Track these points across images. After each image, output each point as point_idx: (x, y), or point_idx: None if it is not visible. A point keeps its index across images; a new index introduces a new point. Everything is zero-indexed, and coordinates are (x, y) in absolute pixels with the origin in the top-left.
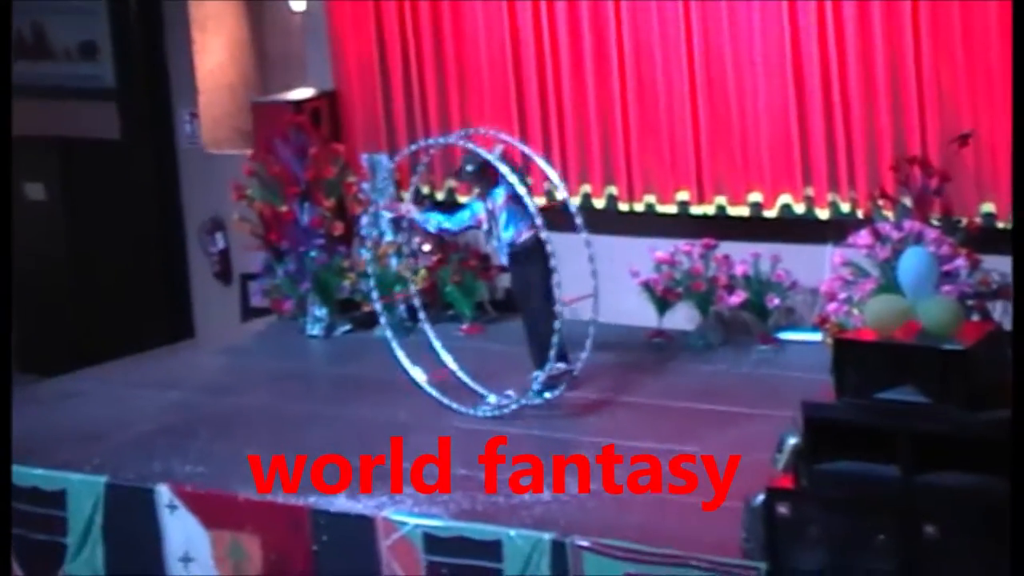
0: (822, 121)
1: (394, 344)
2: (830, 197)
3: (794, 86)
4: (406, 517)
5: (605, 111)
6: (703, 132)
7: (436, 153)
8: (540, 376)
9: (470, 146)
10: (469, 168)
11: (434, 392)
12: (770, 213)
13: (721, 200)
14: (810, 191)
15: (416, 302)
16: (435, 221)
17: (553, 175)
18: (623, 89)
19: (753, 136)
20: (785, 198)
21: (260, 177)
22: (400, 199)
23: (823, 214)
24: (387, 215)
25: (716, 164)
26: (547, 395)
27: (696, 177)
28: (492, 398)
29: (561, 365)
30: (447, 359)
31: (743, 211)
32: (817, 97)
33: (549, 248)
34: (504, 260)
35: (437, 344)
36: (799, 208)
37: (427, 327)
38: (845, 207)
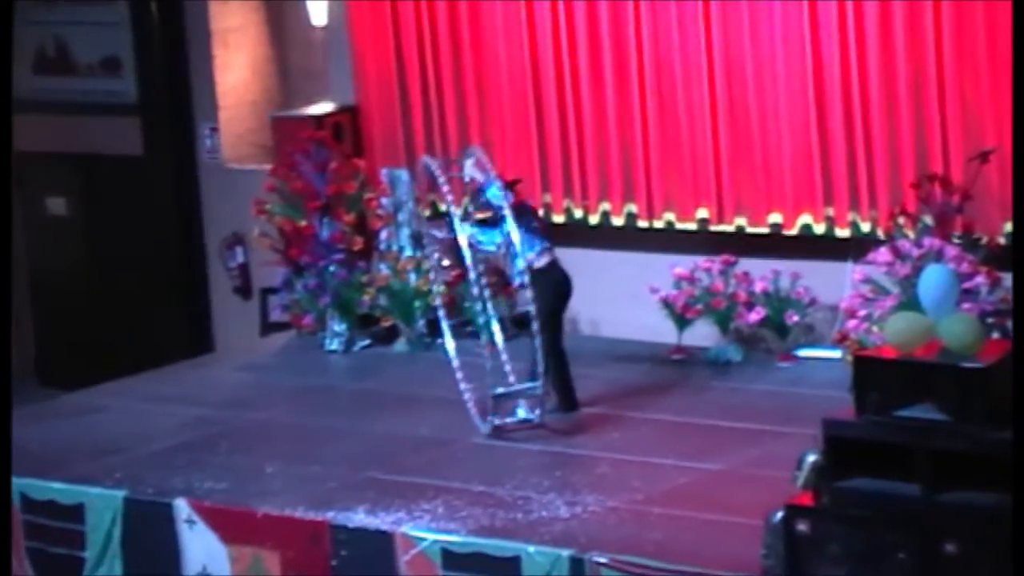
0: (843, 140)
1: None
2: (850, 217)
3: (815, 104)
4: (424, 533)
5: (625, 129)
6: (723, 151)
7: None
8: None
9: (475, 175)
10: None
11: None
12: (790, 232)
13: (741, 220)
14: (831, 211)
15: (440, 313)
16: (469, 232)
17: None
18: (643, 107)
19: (774, 156)
20: (805, 218)
21: (281, 192)
22: (419, 215)
23: (843, 233)
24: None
25: (736, 183)
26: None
27: (716, 196)
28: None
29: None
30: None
31: (763, 230)
32: (838, 115)
33: (564, 273)
34: (520, 281)
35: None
36: (819, 228)
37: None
38: (865, 227)
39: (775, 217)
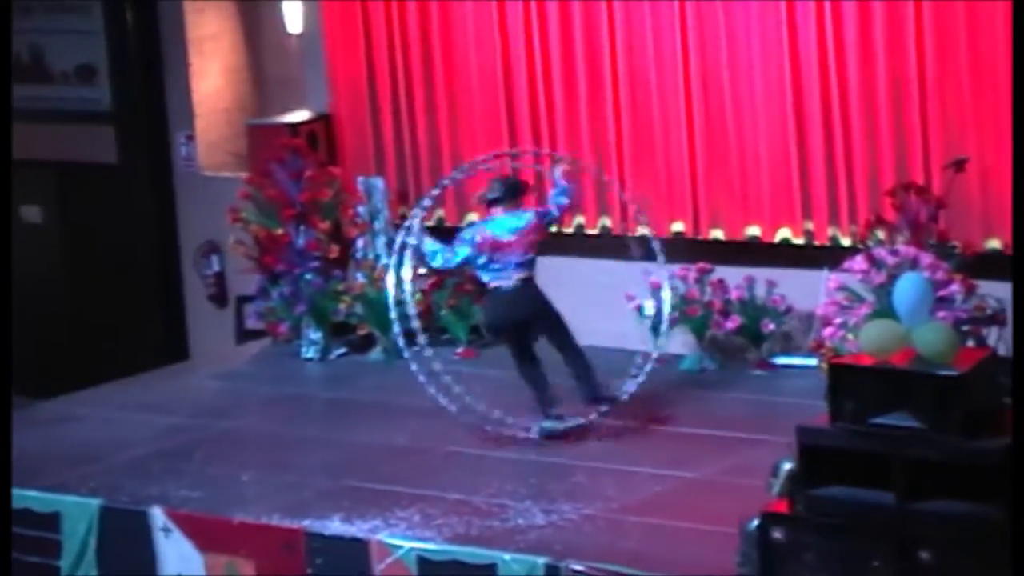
0: (822, 152)
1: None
2: (830, 231)
3: (794, 116)
4: (400, 540)
5: (599, 141)
6: (699, 163)
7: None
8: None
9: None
10: (494, 194)
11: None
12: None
13: (718, 234)
14: (810, 225)
15: (415, 324)
16: (440, 259)
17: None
18: (617, 118)
19: (752, 168)
20: (784, 232)
21: (256, 200)
22: (396, 224)
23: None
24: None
25: (713, 197)
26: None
27: (693, 210)
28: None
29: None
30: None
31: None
32: (817, 127)
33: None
34: (513, 280)
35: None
36: (798, 241)
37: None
38: (845, 241)
39: (753, 230)
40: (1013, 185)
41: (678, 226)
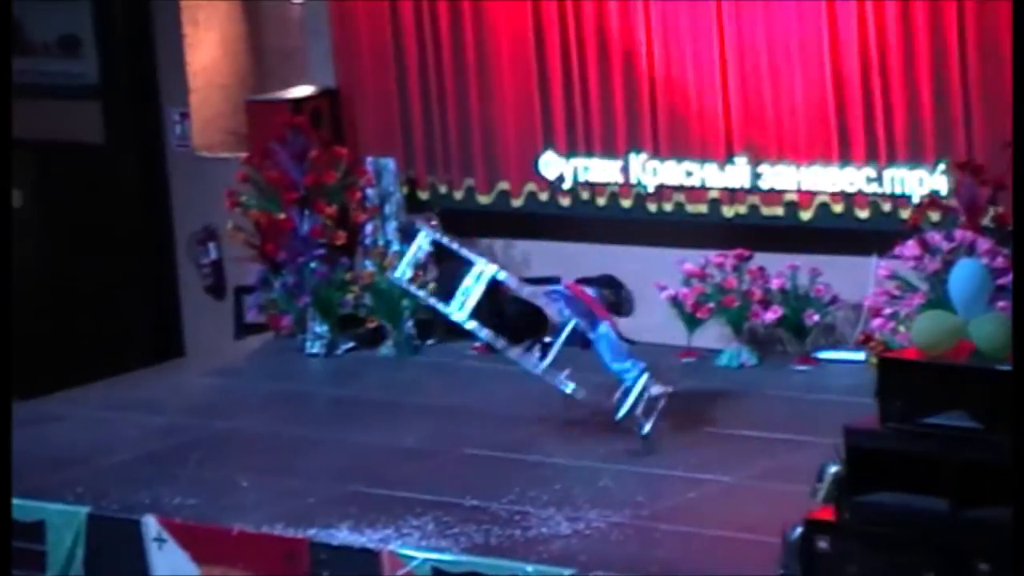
0: (862, 122)
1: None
2: (870, 198)
3: (832, 85)
4: (414, 551)
5: (633, 108)
6: (735, 132)
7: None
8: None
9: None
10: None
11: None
12: (806, 215)
13: (754, 200)
14: (848, 189)
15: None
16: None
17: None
18: (652, 84)
19: (789, 134)
20: (822, 198)
21: (256, 183)
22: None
23: (862, 214)
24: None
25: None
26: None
27: (726, 145)
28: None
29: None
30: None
31: (777, 211)
32: (857, 98)
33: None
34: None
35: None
36: (837, 208)
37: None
38: (886, 207)
39: (791, 196)
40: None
41: (713, 193)
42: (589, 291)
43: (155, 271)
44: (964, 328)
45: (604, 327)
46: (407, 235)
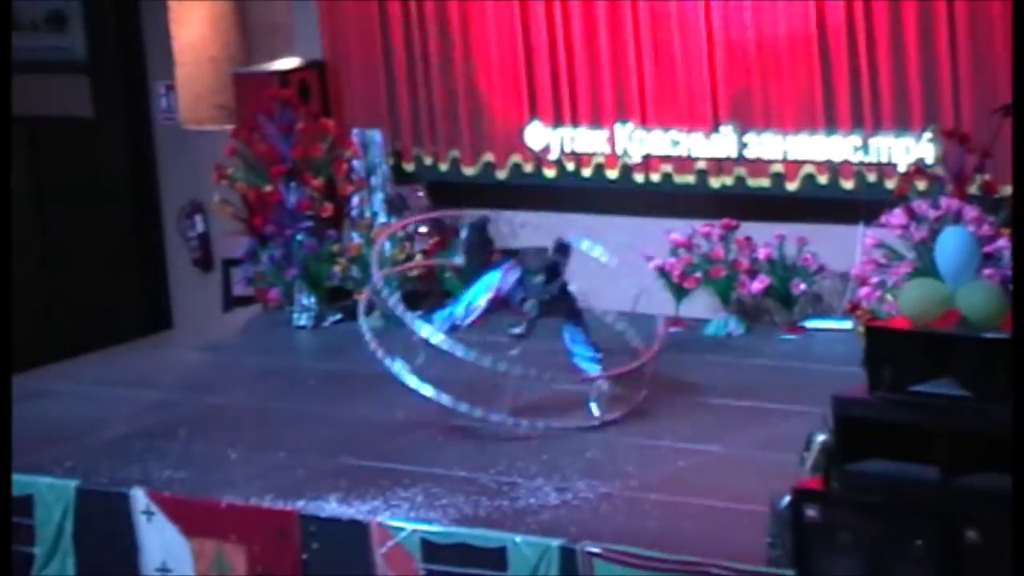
0: (847, 89)
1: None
2: (855, 168)
3: (818, 51)
4: (402, 523)
5: (620, 78)
6: (721, 101)
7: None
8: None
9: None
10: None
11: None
12: (793, 185)
13: (740, 171)
14: (834, 158)
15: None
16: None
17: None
18: (638, 53)
19: (776, 102)
20: (808, 168)
21: (243, 156)
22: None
23: (848, 184)
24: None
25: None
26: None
27: (712, 115)
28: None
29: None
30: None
31: (763, 182)
32: (843, 64)
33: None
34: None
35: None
36: (822, 179)
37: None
38: (872, 176)
39: (776, 168)
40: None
41: (700, 164)
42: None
43: (142, 245)
44: (951, 296)
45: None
46: (394, 207)
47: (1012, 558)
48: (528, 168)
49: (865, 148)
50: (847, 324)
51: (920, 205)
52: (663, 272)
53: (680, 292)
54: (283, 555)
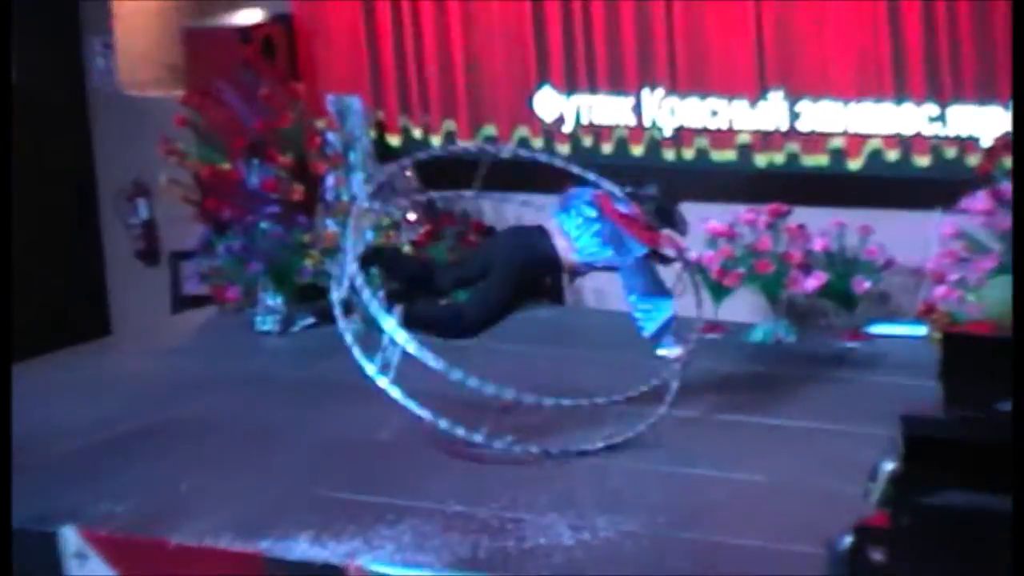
0: (921, 50)
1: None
2: (932, 142)
3: (886, 5)
4: (386, 567)
5: (646, 35)
6: (770, 63)
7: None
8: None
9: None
10: None
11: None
12: (855, 163)
13: (792, 146)
14: (905, 131)
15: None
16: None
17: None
18: (668, 4)
19: (835, 65)
20: (874, 143)
21: (196, 127)
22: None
23: (921, 162)
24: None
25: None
26: None
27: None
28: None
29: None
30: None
31: (820, 159)
32: (916, 20)
33: None
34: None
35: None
36: (891, 156)
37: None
38: (951, 152)
39: (836, 143)
40: (1014, 184)
41: (743, 137)
42: (622, 208)
43: (75, 233)
44: None
45: (640, 254)
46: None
47: (1012, 558)
48: (537, 143)
49: (943, 119)
50: (920, 330)
51: (1007, 188)
52: (699, 267)
53: (719, 291)
54: None
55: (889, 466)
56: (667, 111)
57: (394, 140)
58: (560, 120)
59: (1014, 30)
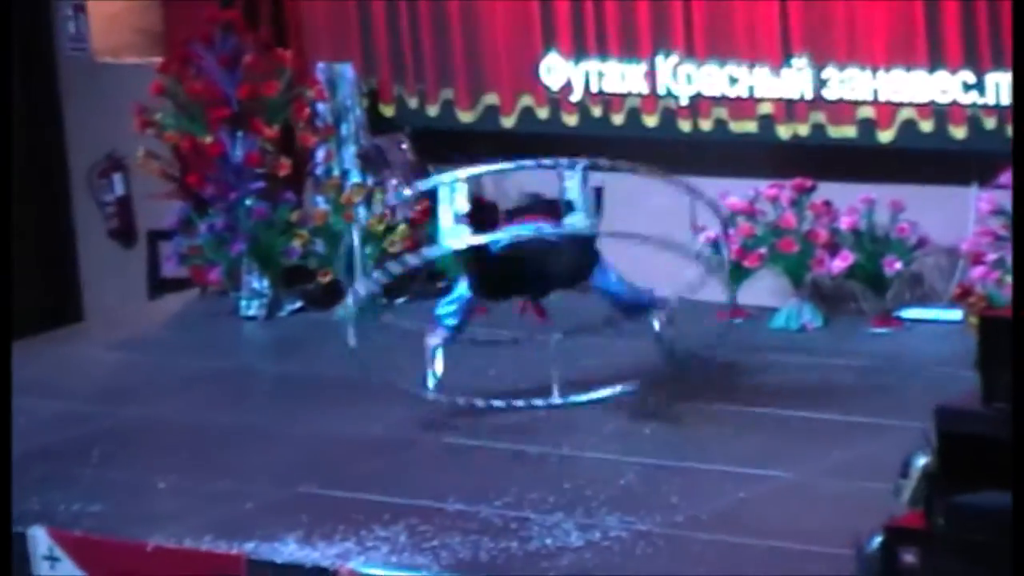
0: (958, 13)
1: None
2: (969, 111)
3: None
4: (380, 570)
5: (658, 5)
6: (794, 26)
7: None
8: None
9: None
10: None
11: None
12: (886, 134)
13: (818, 116)
14: (940, 100)
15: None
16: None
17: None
18: None
19: (864, 28)
20: (906, 112)
21: (174, 96)
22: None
23: (958, 133)
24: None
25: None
26: None
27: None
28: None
29: None
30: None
31: (848, 131)
32: None
33: None
34: None
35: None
36: (925, 126)
37: None
38: (989, 122)
39: (866, 111)
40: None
41: (765, 107)
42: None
43: (44, 212)
44: None
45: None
46: (370, 163)
47: (1012, 559)
48: (543, 113)
49: (980, 87)
50: (955, 314)
51: None
52: (717, 247)
53: (739, 273)
54: None
55: (922, 461)
56: (683, 78)
57: (388, 110)
58: (568, 88)
59: (1014, 30)
